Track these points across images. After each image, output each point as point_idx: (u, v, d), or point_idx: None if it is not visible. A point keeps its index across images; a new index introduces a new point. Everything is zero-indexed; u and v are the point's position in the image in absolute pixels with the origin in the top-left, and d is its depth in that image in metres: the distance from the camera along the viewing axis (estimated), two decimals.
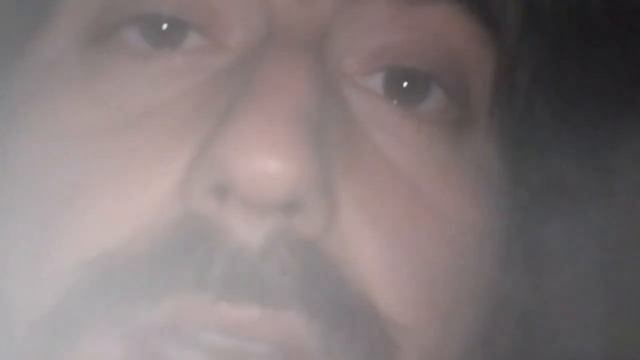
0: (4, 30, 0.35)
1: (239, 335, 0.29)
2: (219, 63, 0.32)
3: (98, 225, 0.30)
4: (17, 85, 0.34)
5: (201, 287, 0.28)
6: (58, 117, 0.32)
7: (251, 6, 0.32)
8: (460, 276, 0.33)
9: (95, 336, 0.29)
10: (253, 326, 0.29)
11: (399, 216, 0.31)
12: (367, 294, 0.30)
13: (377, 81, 0.33)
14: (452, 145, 0.33)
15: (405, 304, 0.31)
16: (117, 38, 0.32)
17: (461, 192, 0.34)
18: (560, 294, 0.48)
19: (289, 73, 0.29)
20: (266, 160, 0.27)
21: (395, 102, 0.33)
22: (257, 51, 0.31)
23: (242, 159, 0.28)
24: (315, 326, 0.29)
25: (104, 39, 0.32)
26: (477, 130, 0.35)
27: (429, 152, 0.33)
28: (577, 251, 0.49)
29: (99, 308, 0.29)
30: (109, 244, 0.29)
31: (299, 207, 0.29)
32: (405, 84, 0.33)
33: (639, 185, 0.51)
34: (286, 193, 0.28)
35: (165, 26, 0.32)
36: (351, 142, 0.31)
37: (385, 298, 0.30)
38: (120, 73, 0.32)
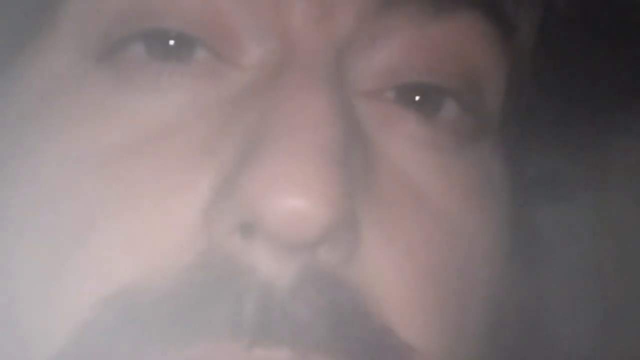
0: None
1: None
2: (234, 83, 0.30)
3: (116, 259, 0.29)
4: (15, 98, 0.32)
5: (236, 331, 0.27)
6: (72, 140, 0.30)
7: (265, 23, 0.30)
8: (474, 291, 0.33)
9: None
10: None
11: (414, 234, 0.31)
12: (391, 325, 0.29)
13: (389, 95, 0.32)
14: (465, 156, 0.33)
15: (424, 329, 0.30)
16: (124, 54, 0.31)
17: (470, 201, 0.33)
18: (559, 293, 0.48)
19: (316, 104, 0.28)
20: (298, 201, 0.27)
21: (408, 110, 0.32)
22: (274, 73, 0.30)
23: (272, 200, 0.27)
24: None
25: (112, 56, 0.31)
26: (489, 139, 0.34)
27: (442, 162, 0.32)
28: (575, 247, 0.49)
29: (118, 347, 0.28)
30: (127, 280, 0.28)
31: (325, 241, 0.28)
32: (417, 97, 0.32)
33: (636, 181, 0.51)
34: (318, 233, 0.27)
35: (172, 42, 0.30)
36: (369, 165, 0.30)
37: (409, 326, 0.30)
38: (132, 91, 0.30)
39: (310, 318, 0.28)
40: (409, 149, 0.31)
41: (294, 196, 0.27)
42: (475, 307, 0.33)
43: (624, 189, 0.50)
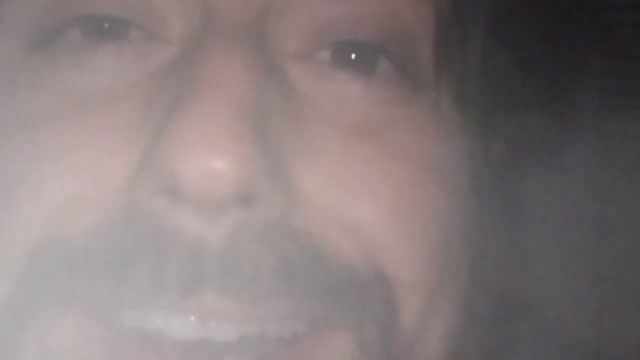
0: None
1: (210, 324, 0.29)
2: (163, 56, 0.32)
3: (43, 212, 0.30)
4: None
5: (159, 286, 0.29)
6: (6, 106, 0.32)
7: None
8: (445, 217, 0.33)
9: (56, 314, 0.30)
10: (226, 317, 0.29)
11: (369, 173, 0.32)
12: (357, 260, 0.30)
13: (324, 56, 0.33)
14: (407, 102, 0.34)
15: (400, 259, 0.31)
16: (60, 40, 0.32)
17: (424, 137, 0.34)
18: (537, 245, 0.48)
19: (227, 65, 0.29)
20: (209, 161, 0.28)
21: (345, 70, 0.33)
22: (197, 42, 0.31)
23: (185, 162, 0.28)
24: (304, 306, 0.29)
25: (48, 43, 0.32)
26: (431, 87, 0.35)
27: (383, 110, 0.33)
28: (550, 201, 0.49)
29: (57, 290, 0.29)
30: (55, 233, 0.30)
31: (256, 198, 0.29)
32: (353, 55, 0.33)
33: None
34: (234, 190, 0.28)
35: (106, 25, 0.32)
36: (301, 121, 0.31)
37: (379, 258, 0.31)
38: (66, 64, 0.32)
39: (254, 269, 0.29)
40: (345, 102, 0.33)
41: (204, 156, 0.28)
42: (451, 239, 0.34)
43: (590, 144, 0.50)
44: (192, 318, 0.29)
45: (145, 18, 0.32)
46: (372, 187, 0.31)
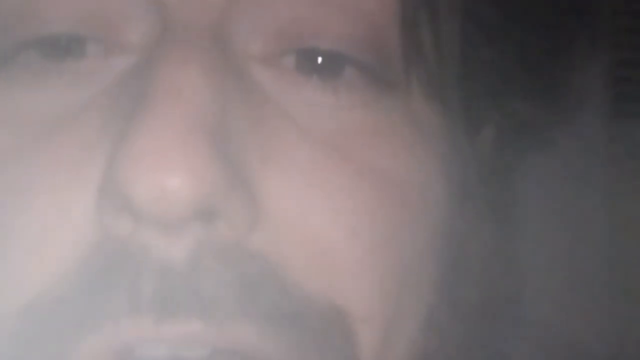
0: None
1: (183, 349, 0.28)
2: (121, 66, 0.30)
3: (22, 269, 0.29)
4: None
5: (136, 312, 0.27)
6: None
7: (144, 3, 0.30)
8: (412, 237, 0.32)
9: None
10: (197, 340, 0.28)
11: (334, 189, 0.30)
12: (314, 283, 0.29)
13: (289, 60, 0.31)
14: (377, 105, 0.32)
15: (356, 285, 0.30)
16: (15, 61, 0.31)
17: (398, 149, 0.32)
18: (528, 246, 0.46)
19: (184, 74, 0.28)
20: (162, 179, 0.26)
21: (310, 76, 0.31)
22: (155, 50, 0.29)
23: (137, 181, 0.27)
24: (263, 332, 0.28)
25: (4, 65, 0.31)
26: (402, 85, 0.33)
27: (353, 118, 0.31)
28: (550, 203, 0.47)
29: (42, 348, 0.28)
30: (36, 287, 0.28)
31: (217, 214, 0.28)
32: (319, 59, 0.31)
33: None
34: (191, 207, 0.27)
35: (63, 42, 0.30)
36: (267, 128, 0.30)
37: (335, 284, 0.30)
38: (24, 90, 0.30)
39: (217, 289, 0.28)
40: (314, 111, 0.31)
41: (157, 174, 0.26)
42: (421, 256, 0.32)
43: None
44: (165, 341, 0.28)
45: (102, 30, 0.30)
46: (333, 207, 0.30)
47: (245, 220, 0.28)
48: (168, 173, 0.26)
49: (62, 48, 0.30)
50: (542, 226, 0.47)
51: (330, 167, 0.30)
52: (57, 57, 0.30)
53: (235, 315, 0.28)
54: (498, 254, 0.40)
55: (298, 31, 0.31)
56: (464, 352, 0.37)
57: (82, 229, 0.28)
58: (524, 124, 0.40)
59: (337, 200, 0.30)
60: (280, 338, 0.28)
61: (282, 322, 0.28)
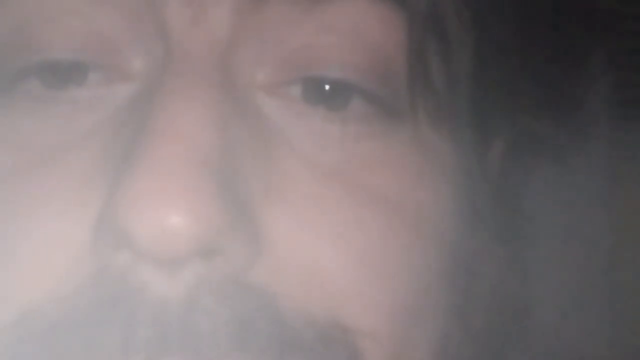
0: None
1: None
2: (122, 95, 0.30)
3: (12, 285, 0.28)
4: None
5: (128, 351, 0.27)
6: None
7: (147, 31, 0.30)
8: (421, 266, 0.32)
9: None
10: None
11: (340, 220, 0.30)
12: (318, 315, 0.29)
13: (295, 89, 0.31)
14: (385, 136, 0.32)
15: (365, 311, 0.30)
16: (16, 88, 0.30)
17: (406, 179, 0.32)
18: (539, 269, 0.46)
19: (186, 108, 0.27)
20: (163, 217, 0.26)
21: (316, 106, 0.31)
22: (158, 79, 0.29)
23: (138, 218, 0.26)
24: None
25: (5, 92, 0.31)
26: (407, 116, 0.33)
27: (360, 149, 0.31)
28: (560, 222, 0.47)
29: None
30: (25, 306, 0.28)
31: (217, 251, 0.27)
32: (327, 87, 0.31)
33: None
34: (193, 245, 0.27)
35: (65, 69, 0.30)
36: (272, 159, 0.30)
37: (341, 310, 0.29)
38: (23, 115, 0.30)
39: (212, 328, 0.27)
40: (321, 141, 0.31)
41: (158, 212, 0.26)
42: (429, 285, 0.32)
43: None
44: None
45: (104, 57, 0.30)
46: (341, 238, 0.30)
47: (246, 256, 0.28)
48: (168, 212, 0.26)
49: (63, 75, 0.30)
50: (550, 242, 0.47)
51: (336, 199, 0.30)
52: (58, 84, 0.30)
53: (231, 351, 0.27)
54: (508, 272, 0.40)
55: (304, 59, 0.30)
56: None
57: (78, 259, 0.28)
58: (533, 140, 0.40)
59: (343, 231, 0.30)
60: None
61: (281, 352, 0.28)
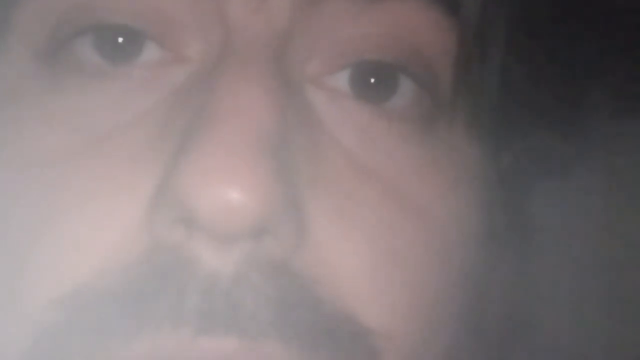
0: None
1: None
2: (179, 76, 0.31)
3: (68, 258, 0.29)
4: None
5: (177, 322, 0.28)
6: (20, 144, 0.31)
7: (207, 15, 0.30)
8: (443, 273, 0.32)
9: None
10: (230, 357, 0.28)
11: (375, 221, 0.31)
12: (347, 309, 0.29)
13: (343, 79, 0.32)
14: (424, 139, 0.32)
15: (386, 312, 0.30)
16: (71, 53, 0.31)
17: (439, 185, 0.33)
18: (550, 279, 0.46)
19: (248, 92, 0.28)
20: (227, 192, 0.27)
21: (363, 100, 0.32)
22: (216, 64, 0.30)
23: (202, 193, 0.27)
24: (293, 351, 0.28)
25: (59, 55, 0.31)
26: (446, 117, 0.33)
27: (402, 150, 0.32)
28: (568, 231, 0.47)
29: (74, 347, 0.28)
30: (81, 278, 0.28)
31: (267, 230, 0.28)
32: (372, 79, 0.32)
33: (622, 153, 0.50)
34: (251, 222, 0.27)
35: (120, 39, 0.31)
36: (318, 151, 0.30)
37: (366, 308, 0.30)
38: (78, 93, 0.31)
39: (256, 306, 0.28)
40: (364, 138, 0.31)
41: (222, 189, 0.27)
42: (448, 291, 0.33)
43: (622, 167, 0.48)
44: (200, 355, 0.28)
45: (162, 31, 0.31)
46: (372, 239, 0.30)
47: (292, 240, 0.28)
48: (234, 188, 0.27)
49: (118, 45, 0.30)
50: (552, 249, 0.48)
51: (373, 200, 0.30)
52: (111, 54, 0.30)
53: (270, 333, 0.28)
54: (517, 279, 0.41)
55: (352, 48, 0.31)
56: None
57: (131, 234, 0.29)
58: (540, 151, 0.41)
59: (375, 232, 0.30)
60: (310, 358, 0.29)
61: (315, 342, 0.28)
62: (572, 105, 0.40)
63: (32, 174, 0.30)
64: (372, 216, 0.30)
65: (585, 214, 0.50)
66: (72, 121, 0.30)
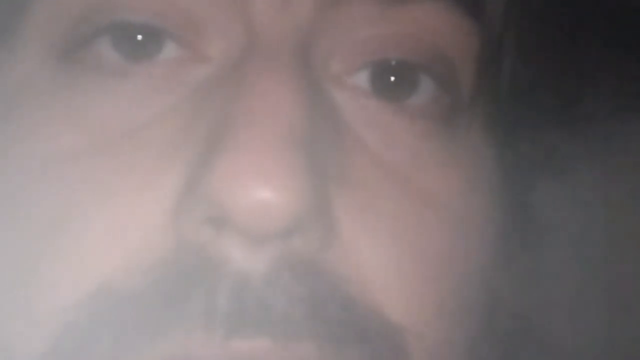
0: None
1: None
2: (200, 75, 0.30)
3: (90, 257, 0.28)
4: None
5: (210, 323, 0.27)
6: (37, 142, 0.30)
7: (229, 13, 0.30)
8: (464, 269, 0.32)
9: None
10: (263, 358, 0.27)
11: (400, 218, 0.30)
12: (376, 306, 0.29)
13: (363, 78, 0.31)
14: (445, 136, 0.32)
15: (414, 308, 0.30)
16: (90, 51, 0.30)
17: (460, 182, 0.33)
18: (558, 278, 0.47)
19: (277, 91, 0.28)
20: (263, 192, 0.27)
21: (384, 98, 0.31)
22: (239, 62, 0.29)
23: (237, 193, 0.27)
24: (326, 350, 0.28)
25: (77, 53, 0.30)
26: (466, 117, 0.34)
27: (424, 147, 0.32)
28: (575, 229, 0.48)
29: (97, 348, 0.28)
30: (104, 277, 0.28)
31: (299, 230, 0.28)
32: (392, 78, 0.32)
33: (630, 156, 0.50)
34: (285, 222, 0.27)
35: (140, 37, 0.30)
36: (343, 150, 0.30)
37: (394, 306, 0.30)
38: (97, 91, 0.30)
39: (288, 306, 0.28)
40: (387, 138, 0.31)
41: (258, 188, 0.27)
42: (468, 289, 0.33)
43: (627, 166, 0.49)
44: (233, 357, 0.27)
45: (183, 29, 0.30)
46: (397, 238, 0.30)
47: (322, 239, 0.28)
48: (269, 188, 0.26)
49: (138, 43, 0.30)
50: (555, 247, 0.48)
51: (397, 199, 0.30)
52: (132, 52, 0.30)
53: (302, 333, 0.28)
54: (526, 278, 0.41)
55: (373, 46, 0.31)
56: None
57: (155, 233, 0.28)
58: (550, 152, 0.41)
59: (399, 231, 0.30)
60: (339, 356, 0.28)
61: (347, 341, 0.28)
62: (576, 105, 0.41)
63: (52, 172, 0.30)
64: (397, 213, 0.30)
65: (590, 212, 0.51)
66: (91, 119, 0.30)
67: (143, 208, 0.29)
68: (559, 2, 0.37)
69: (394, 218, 0.30)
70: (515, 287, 0.40)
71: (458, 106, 0.33)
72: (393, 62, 0.31)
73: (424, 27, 0.32)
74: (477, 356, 0.35)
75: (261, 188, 0.26)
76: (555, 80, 0.38)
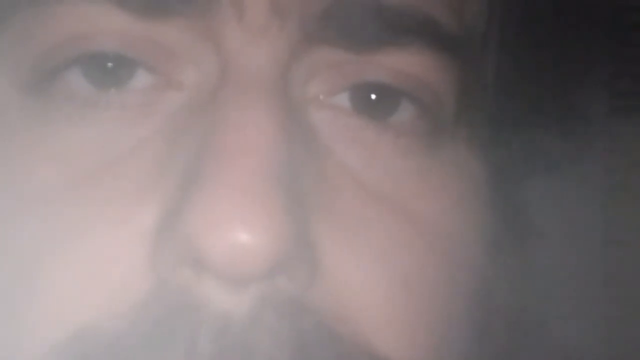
0: None
1: None
2: (174, 103, 0.29)
3: (67, 299, 0.27)
4: None
5: None
6: (9, 177, 0.29)
7: (201, 42, 0.29)
8: (454, 290, 0.31)
9: None
10: None
11: (387, 245, 0.30)
12: (364, 342, 0.28)
13: (344, 98, 0.30)
14: (430, 153, 0.32)
15: (403, 342, 0.29)
16: (60, 80, 0.29)
17: (447, 200, 0.32)
18: (552, 287, 0.46)
19: (252, 124, 0.27)
20: (240, 235, 0.26)
21: (366, 116, 0.30)
22: (213, 91, 0.28)
23: (213, 236, 0.26)
24: None
25: (47, 84, 0.29)
26: (450, 131, 0.33)
27: (408, 165, 0.31)
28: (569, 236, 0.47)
29: None
30: (82, 320, 0.27)
31: (281, 270, 0.27)
32: (373, 96, 0.30)
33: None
34: (264, 265, 0.26)
35: (110, 65, 0.29)
36: (325, 176, 0.29)
37: (383, 339, 0.29)
38: (70, 123, 0.29)
39: (272, 347, 0.27)
40: (370, 157, 0.30)
41: (234, 231, 0.26)
42: (460, 309, 0.32)
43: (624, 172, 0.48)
44: None
45: (154, 58, 0.29)
46: (385, 264, 0.29)
47: (307, 277, 0.27)
48: (246, 230, 0.25)
49: (109, 70, 0.29)
50: (551, 249, 0.48)
51: (382, 222, 0.30)
52: (100, 80, 0.29)
53: None
54: (521, 285, 0.41)
55: (353, 69, 0.30)
56: None
57: (135, 273, 0.27)
58: (535, 152, 0.40)
59: (387, 257, 0.29)
60: None
61: None
62: (569, 106, 0.40)
63: (26, 209, 0.28)
64: (384, 240, 0.29)
65: (576, 209, 0.50)
66: (63, 153, 0.29)
67: (121, 247, 0.27)
68: (542, 7, 0.37)
69: (381, 245, 0.29)
70: (515, 294, 0.39)
71: (442, 122, 0.32)
72: (374, 85, 0.30)
73: (402, 63, 0.31)
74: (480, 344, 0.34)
75: (238, 231, 0.26)
76: (542, 87, 0.37)
